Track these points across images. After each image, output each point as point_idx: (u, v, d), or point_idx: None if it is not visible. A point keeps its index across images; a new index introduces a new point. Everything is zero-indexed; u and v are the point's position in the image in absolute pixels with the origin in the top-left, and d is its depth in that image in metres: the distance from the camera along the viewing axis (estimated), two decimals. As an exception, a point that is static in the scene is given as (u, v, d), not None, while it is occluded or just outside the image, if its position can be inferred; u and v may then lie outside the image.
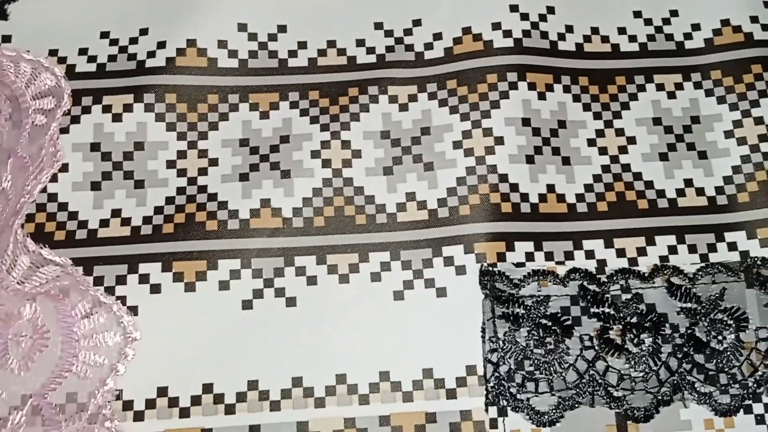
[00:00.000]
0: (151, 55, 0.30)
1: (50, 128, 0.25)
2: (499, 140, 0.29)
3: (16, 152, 0.24)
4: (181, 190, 0.28)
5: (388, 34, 0.31)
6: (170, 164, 0.29)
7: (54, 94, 0.26)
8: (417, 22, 0.31)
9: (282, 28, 0.31)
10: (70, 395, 0.23)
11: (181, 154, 0.29)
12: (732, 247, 0.28)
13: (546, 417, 0.26)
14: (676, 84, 0.31)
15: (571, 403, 0.26)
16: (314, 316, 0.27)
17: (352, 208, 0.29)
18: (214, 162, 0.29)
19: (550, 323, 0.27)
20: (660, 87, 0.31)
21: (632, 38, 0.31)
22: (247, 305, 0.27)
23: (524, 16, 0.31)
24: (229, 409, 0.26)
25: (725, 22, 0.31)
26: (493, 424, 0.26)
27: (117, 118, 0.29)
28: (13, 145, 0.24)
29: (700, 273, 0.28)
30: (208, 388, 0.26)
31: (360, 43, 0.31)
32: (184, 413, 0.26)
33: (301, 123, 0.30)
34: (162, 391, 0.26)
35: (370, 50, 0.31)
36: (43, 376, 0.23)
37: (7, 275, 0.23)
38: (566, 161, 0.29)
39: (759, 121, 0.30)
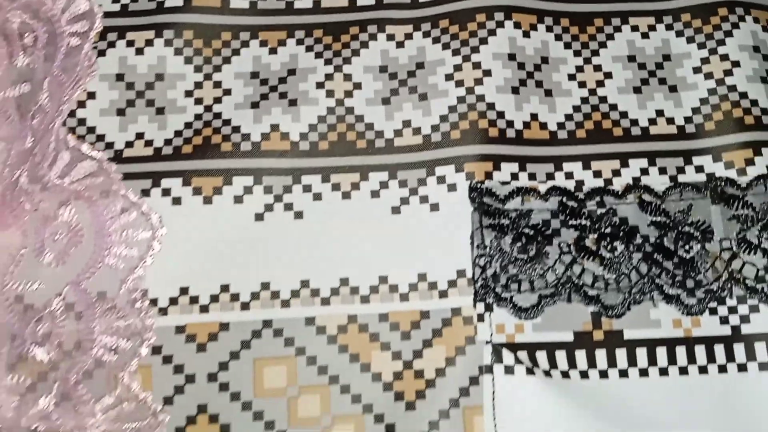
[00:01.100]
0: (170, -4, 0.33)
1: (84, 48, 0.28)
2: (487, 73, 0.32)
3: (52, 73, 0.27)
4: (198, 117, 0.31)
5: None
6: (188, 93, 0.32)
7: (87, 18, 0.29)
8: None
9: (288, -26, 0.34)
10: (103, 283, 0.26)
11: (198, 85, 0.32)
12: (699, 169, 0.31)
13: (527, 313, 0.29)
14: (649, 26, 0.34)
15: (551, 300, 0.29)
16: (320, 228, 0.30)
17: (354, 134, 0.32)
18: (227, 92, 0.32)
19: (532, 233, 0.30)
20: (635, 28, 0.34)
21: None
22: (259, 217, 0.30)
23: None
24: (244, 306, 0.29)
25: None
26: (480, 318, 0.29)
27: (139, 51, 0.32)
28: (49, 68, 0.27)
29: (669, 191, 0.31)
30: (225, 288, 0.29)
31: None
32: (204, 309, 0.29)
33: (307, 58, 0.33)
34: (184, 291, 0.29)
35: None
36: (78, 268, 0.26)
37: (48, 171, 0.25)
38: (548, 93, 0.32)
39: (724, 58, 0.33)
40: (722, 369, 0.29)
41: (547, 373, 0.28)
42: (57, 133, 0.26)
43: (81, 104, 0.30)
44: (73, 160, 0.26)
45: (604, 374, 0.28)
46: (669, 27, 0.34)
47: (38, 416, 0.24)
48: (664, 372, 0.29)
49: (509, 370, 0.28)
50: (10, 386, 0.25)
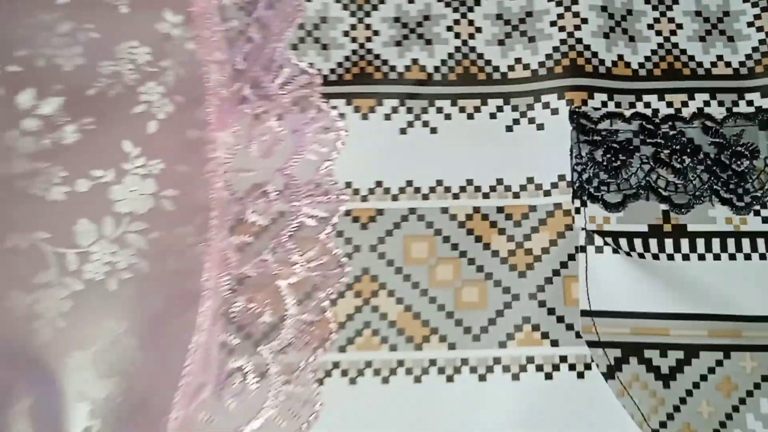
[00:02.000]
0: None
1: None
2: (584, 21, 0.40)
3: (258, 13, 0.35)
4: (354, 52, 0.40)
5: None
6: (345, 34, 0.40)
7: None
8: None
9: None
10: (303, 172, 0.35)
11: (353, 27, 0.40)
12: (749, 103, 0.39)
13: (614, 208, 0.37)
14: (713, -13, 0.42)
15: (632, 199, 0.37)
16: (449, 141, 0.39)
17: (476, 68, 0.40)
18: (376, 33, 0.40)
19: (618, 147, 0.38)
20: (702, -11, 0.42)
21: None
22: (402, 131, 0.39)
23: None
24: (394, 198, 0.38)
25: None
26: (577, 211, 0.37)
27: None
28: (254, 9, 0.36)
29: (726, 119, 0.39)
30: (379, 183, 0.38)
31: None
32: (364, 199, 0.37)
33: (438, 6, 0.41)
34: (348, 184, 0.38)
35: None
36: (282, 160, 0.35)
37: (270, 83, 0.34)
38: (632, 39, 0.40)
39: (774, 15, 0.41)
40: (762, 257, 0.37)
41: (627, 254, 0.37)
42: (281, 55, 0.34)
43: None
44: (291, 75, 0.35)
45: (671, 257, 0.37)
46: (730, -12, 0.42)
47: (258, 264, 0.33)
48: (717, 257, 0.37)
49: (599, 249, 0.37)
50: (235, 244, 0.34)
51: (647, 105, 0.39)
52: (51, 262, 0.34)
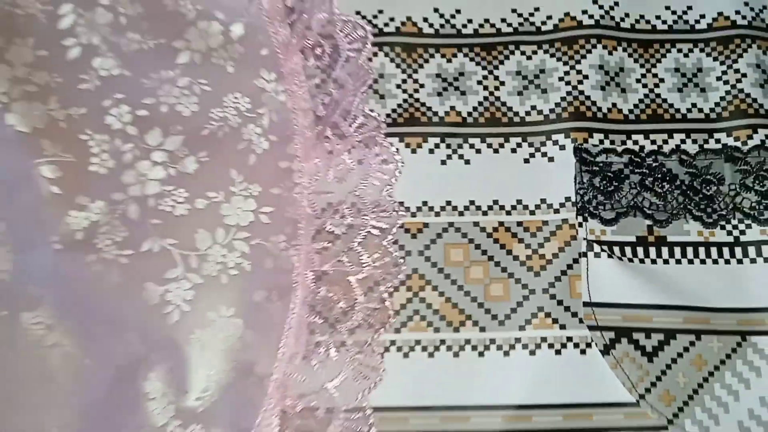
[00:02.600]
0: (386, 25, 0.52)
1: (359, 60, 0.47)
2: (586, 77, 0.50)
3: (336, 73, 0.46)
4: (405, 100, 0.51)
5: (519, 15, 0.53)
6: (397, 86, 0.51)
7: (361, 40, 0.48)
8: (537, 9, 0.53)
9: (458, 11, 0.53)
10: (370, 194, 0.46)
11: (404, 81, 0.51)
12: (717, 141, 0.50)
13: (609, 223, 0.48)
14: (689, 49, 0.52)
15: (623, 216, 0.48)
16: (480, 170, 0.49)
17: (500, 113, 0.51)
18: (422, 86, 0.51)
19: (612, 176, 0.48)
20: (679, 50, 0.52)
21: None
22: (443, 162, 0.49)
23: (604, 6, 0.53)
24: (437, 214, 0.48)
25: None
26: (580, 225, 0.48)
27: (370, 60, 0.51)
28: (333, 70, 0.46)
29: (699, 153, 0.49)
30: (424, 203, 0.48)
31: (503, 20, 0.53)
32: (413, 215, 0.48)
33: (471, 65, 0.52)
34: (401, 203, 0.48)
35: (509, 24, 0.53)
36: (353, 185, 0.45)
37: (348, 127, 0.45)
38: (623, 90, 0.51)
39: (736, 71, 0.51)
40: (726, 262, 0.47)
41: (620, 258, 0.47)
42: (354, 106, 0.45)
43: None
44: (364, 121, 0.46)
45: (654, 261, 0.47)
46: (701, 50, 0.52)
47: (335, 264, 0.44)
48: (690, 262, 0.47)
49: (597, 255, 0.47)
50: (317, 248, 0.44)
51: (635, 142, 0.50)
52: (178, 262, 0.45)
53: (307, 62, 0.48)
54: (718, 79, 0.51)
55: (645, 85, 0.51)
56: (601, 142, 0.50)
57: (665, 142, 0.50)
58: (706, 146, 0.50)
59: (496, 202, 0.49)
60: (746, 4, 0.53)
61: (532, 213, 0.48)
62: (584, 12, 0.52)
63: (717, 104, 0.51)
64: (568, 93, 0.51)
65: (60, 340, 0.43)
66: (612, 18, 0.52)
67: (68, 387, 0.43)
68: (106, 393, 0.43)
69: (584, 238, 0.47)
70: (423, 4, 0.53)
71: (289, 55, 0.48)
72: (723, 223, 0.48)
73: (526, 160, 0.50)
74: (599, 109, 0.50)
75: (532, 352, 0.46)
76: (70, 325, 0.44)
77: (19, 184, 0.45)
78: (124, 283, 0.44)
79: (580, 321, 0.46)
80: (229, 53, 0.49)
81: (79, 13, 0.49)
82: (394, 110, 0.50)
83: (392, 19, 0.52)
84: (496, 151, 0.50)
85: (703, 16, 0.53)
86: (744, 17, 0.53)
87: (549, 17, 0.53)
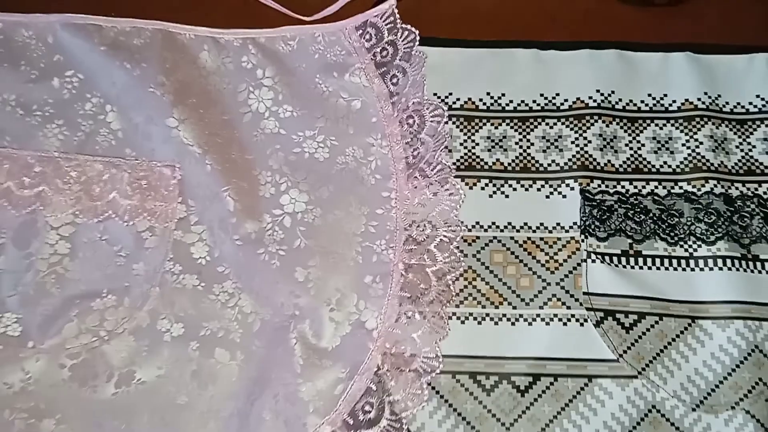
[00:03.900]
0: (454, 103, 0.76)
1: (438, 127, 0.72)
2: (589, 141, 0.74)
3: (421, 139, 0.71)
4: (464, 154, 0.75)
5: (545, 98, 0.77)
6: (460, 144, 0.75)
7: (440, 113, 0.73)
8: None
9: (503, 95, 0.77)
10: (442, 215, 0.69)
11: (464, 141, 0.75)
12: (681, 188, 0.72)
13: (602, 240, 0.70)
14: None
15: (613, 235, 0.70)
16: (515, 202, 0.72)
17: (530, 164, 0.74)
18: (477, 144, 0.75)
19: (605, 208, 0.71)
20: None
21: None
22: (490, 197, 0.73)
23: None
24: (485, 230, 0.72)
25: None
26: (582, 241, 0.70)
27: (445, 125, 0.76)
28: (420, 134, 0.71)
29: (667, 196, 0.72)
30: (477, 222, 0.72)
31: (534, 101, 0.77)
32: (469, 230, 0.71)
33: (511, 132, 0.75)
34: (461, 221, 0.72)
35: (538, 104, 0.77)
36: (431, 209, 0.69)
37: (429, 171, 0.69)
38: (615, 151, 0.74)
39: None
40: (683, 270, 0.69)
41: (609, 264, 0.69)
42: (435, 157, 0.69)
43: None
44: (440, 167, 0.70)
45: (633, 267, 0.69)
46: (672, 125, 0.75)
47: (419, 259, 0.68)
48: (658, 269, 0.69)
49: (593, 261, 0.69)
50: (406, 249, 0.68)
51: (623, 187, 0.73)
52: (316, 255, 0.69)
53: (402, 128, 0.72)
54: (683, 145, 0.74)
55: (631, 148, 0.74)
56: (599, 186, 0.72)
57: (643, 187, 0.73)
58: (672, 191, 0.72)
59: (525, 223, 0.72)
60: (705, 93, 0.76)
61: (550, 232, 0.71)
62: (590, 97, 0.76)
63: (681, 162, 0.73)
64: (577, 152, 0.74)
65: (238, 302, 0.68)
66: (609, 102, 0.76)
67: (246, 332, 0.67)
68: (270, 337, 0.66)
69: (585, 250, 0.70)
70: (479, 89, 0.77)
71: (391, 122, 0.73)
72: (681, 243, 0.70)
73: (547, 197, 0.72)
74: (598, 163, 0.73)
75: (547, 324, 0.68)
76: (246, 294, 0.68)
77: (214, 203, 0.70)
78: (282, 267, 0.68)
79: (581, 304, 0.68)
80: (350, 120, 0.74)
81: (250, 90, 0.75)
82: (458, 160, 0.74)
83: (458, 99, 0.76)
84: (526, 189, 0.73)
85: (674, 101, 0.76)
86: (704, 102, 0.76)
87: (566, 100, 0.76)
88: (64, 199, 0.69)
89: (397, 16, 0.74)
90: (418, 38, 0.73)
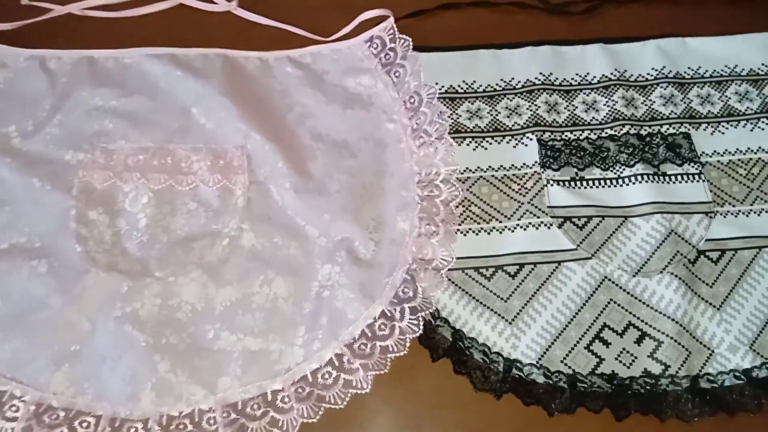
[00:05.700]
0: (441, 87, 1.05)
1: (432, 103, 0.99)
2: (539, 107, 1.04)
3: (422, 112, 0.99)
4: (451, 122, 1.03)
5: (503, 81, 1.07)
6: (449, 116, 1.04)
7: (433, 93, 1.01)
8: None
9: (474, 81, 1.07)
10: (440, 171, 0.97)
11: (450, 113, 1.04)
12: (606, 134, 1.02)
13: (556, 171, 0.98)
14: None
15: (564, 168, 0.99)
16: (496, 154, 1.01)
17: (499, 125, 1.03)
18: (460, 116, 1.04)
19: (556, 150, 1.00)
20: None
21: None
22: (474, 149, 1.01)
23: None
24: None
25: None
26: (542, 172, 0.98)
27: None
28: (420, 109, 0.99)
29: (597, 139, 1.01)
30: (468, 167, 1.00)
31: (497, 84, 1.06)
32: (461, 172, 0.99)
33: (483, 106, 1.05)
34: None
35: (499, 86, 1.06)
36: (426, 162, 0.97)
37: (432, 131, 0.97)
38: (558, 113, 1.04)
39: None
40: (610, 185, 0.98)
41: (562, 185, 0.97)
42: (434, 124, 0.97)
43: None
44: (438, 128, 0.97)
45: (579, 187, 0.97)
46: (598, 92, 1.06)
47: (429, 200, 0.94)
48: (596, 186, 0.98)
49: (552, 184, 0.97)
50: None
51: (566, 136, 1.02)
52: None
53: (406, 106, 1.01)
54: (604, 105, 1.04)
55: (568, 110, 1.03)
56: (549, 136, 1.01)
57: (580, 134, 1.02)
58: (600, 135, 1.02)
59: (501, 165, 0.98)
60: (616, 69, 1.07)
61: (519, 169, 0.99)
62: (536, 78, 1.05)
63: (604, 117, 1.03)
64: (531, 115, 1.03)
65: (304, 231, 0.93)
66: (549, 80, 1.05)
67: (304, 257, 0.92)
68: (328, 256, 0.92)
69: (545, 179, 0.98)
70: (456, 78, 1.05)
71: (397, 103, 1.01)
72: (611, 168, 0.99)
73: (514, 147, 0.98)
74: (547, 121, 1.02)
75: (525, 230, 0.93)
76: (310, 225, 0.93)
77: (274, 169, 0.96)
78: (330, 203, 0.94)
79: (546, 215, 0.96)
80: (368, 105, 1.02)
81: (290, 91, 1.03)
82: (448, 127, 1.03)
83: (443, 87, 1.04)
84: (498, 143, 1.01)
85: (594, 77, 1.05)
86: (615, 76, 1.06)
87: (519, 81, 1.05)
88: (162, 175, 0.95)
89: (396, 28, 1.03)
90: (411, 44, 1.03)
